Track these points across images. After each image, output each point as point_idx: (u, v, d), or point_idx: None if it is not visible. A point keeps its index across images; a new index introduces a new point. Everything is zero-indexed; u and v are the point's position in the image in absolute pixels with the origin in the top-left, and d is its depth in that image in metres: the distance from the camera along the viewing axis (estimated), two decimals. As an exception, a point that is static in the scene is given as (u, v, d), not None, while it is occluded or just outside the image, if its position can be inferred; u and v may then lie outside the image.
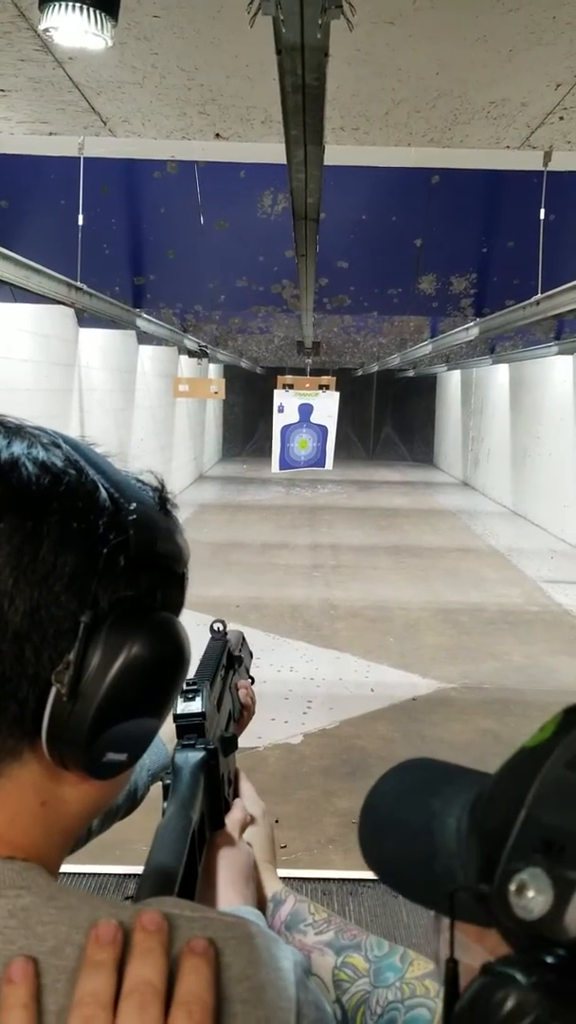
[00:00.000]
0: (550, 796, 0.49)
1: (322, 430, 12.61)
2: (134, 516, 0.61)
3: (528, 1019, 0.41)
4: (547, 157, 5.33)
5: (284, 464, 12.65)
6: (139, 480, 0.67)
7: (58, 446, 0.62)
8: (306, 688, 7.00)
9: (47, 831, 0.60)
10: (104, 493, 0.61)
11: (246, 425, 29.32)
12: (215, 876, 0.90)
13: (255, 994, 0.52)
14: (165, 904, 0.56)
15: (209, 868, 0.90)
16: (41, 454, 0.60)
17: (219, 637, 1.13)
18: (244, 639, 1.26)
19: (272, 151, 3.61)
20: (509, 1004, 0.42)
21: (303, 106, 1.89)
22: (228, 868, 0.91)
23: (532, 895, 0.45)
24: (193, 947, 0.52)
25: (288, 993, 0.53)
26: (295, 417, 12.57)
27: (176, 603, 0.65)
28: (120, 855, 3.02)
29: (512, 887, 0.46)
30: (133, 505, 0.61)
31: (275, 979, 0.53)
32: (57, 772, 0.60)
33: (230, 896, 0.88)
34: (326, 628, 8.87)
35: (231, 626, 1.18)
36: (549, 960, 0.43)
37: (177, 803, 0.84)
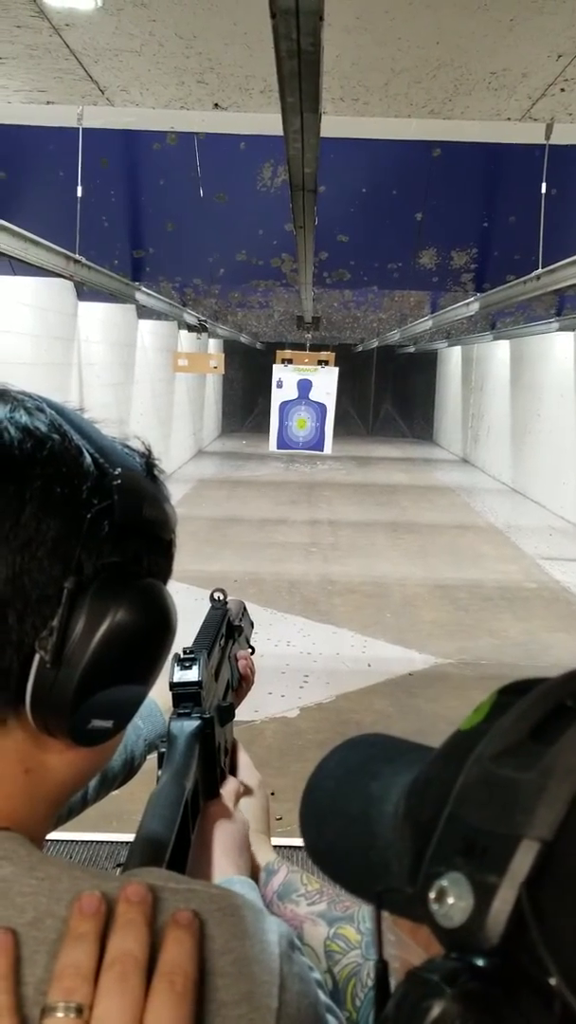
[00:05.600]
0: (473, 793, 0.45)
1: (320, 409, 12.55)
2: (119, 481, 0.60)
3: None
4: (549, 130, 5.28)
5: (282, 443, 12.60)
6: (126, 446, 0.66)
7: (42, 411, 0.61)
8: (303, 662, 7.03)
9: (31, 799, 0.60)
10: (88, 458, 0.60)
11: (245, 400, 29.25)
12: (209, 845, 0.89)
13: (238, 967, 0.52)
14: (151, 875, 0.55)
15: (203, 837, 0.90)
16: (24, 418, 0.59)
17: (219, 606, 1.11)
18: (245, 609, 1.25)
19: (272, 122, 3.57)
20: (432, 1014, 0.40)
21: (299, 72, 1.87)
22: (222, 837, 0.90)
23: (452, 902, 0.43)
24: (178, 919, 0.52)
25: (272, 966, 0.53)
26: (294, 393, 12.51)
27: (163, 570, 0.65)
28: (117, 826, 3.05)
29: (432, 894, 0.44)
30: (118, 470, 0.61)
31: (259, 952, 0.53)
32: (42, 739, 0.59)
33: (223, 865, 0.88)
34: (324, 603, 8.89)
35: (232, 596, 1.16)
36: (473, 967, 0.41)
37: (171, 772, 0.84)
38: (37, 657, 0.57)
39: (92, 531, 0.58)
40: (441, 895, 0.43)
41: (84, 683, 0.57)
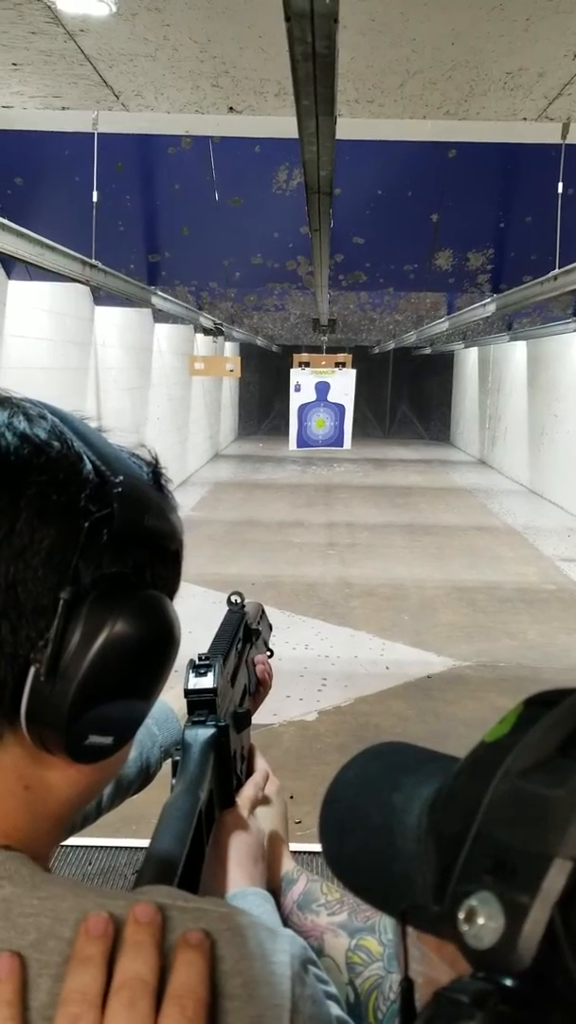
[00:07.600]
0: (502, 810, 0.44)
1: (339, 409, 12.57)
2: (120, 489, 0.59)
3: None
4: (565, 130, 5.25)
5: (301, 442, 12.63)
6: (134, 455, 0.65)
7: (43, 417, 0.60)
8: (321, 666, 7.02)
9: (33, 817, 0.59)
10: (89, 465, 0.58)
11: (262, 403, 29.27)
12: (223, 857, 0.88)
13: (248, 990, 0.51)
14: (159, 894, 0.54)
15: (217, 848, 0.88)
16: (23, 425, 0.58)
17: (236, 609, 1.10)
18: (263, 611, 1.23)
19: (287, 125, 3.57)
20: None
21: (314, 75, 1.86)
22: (236, 849, 0.89)
23: (482, 922, 0.42)
24: (189, 939, 0.50)
25: (282, 989, 0.52)
26: (312, 396, 12.53)
27: (168, 582, 0.63)
28: (137, 829, 3.04)
29: (461, 914, 0.43)
30: (120, 478, 0.59)
31: (269, 974, 0.52)
32: (40, 756, 0.58)
33: (237, 877, 0.87)
34: (341, 606, 8.88)
35: (249, 599, 1.15)
36: (503, 988, 0.40)
37: (185, 782, 0.83)
38: (32, 670, 0.55)
39: (90, 540, 0.57)
40: (471, 915, 0.42)
41: (80, 697, 0.56)
